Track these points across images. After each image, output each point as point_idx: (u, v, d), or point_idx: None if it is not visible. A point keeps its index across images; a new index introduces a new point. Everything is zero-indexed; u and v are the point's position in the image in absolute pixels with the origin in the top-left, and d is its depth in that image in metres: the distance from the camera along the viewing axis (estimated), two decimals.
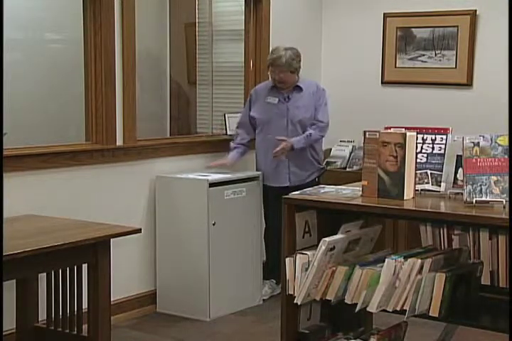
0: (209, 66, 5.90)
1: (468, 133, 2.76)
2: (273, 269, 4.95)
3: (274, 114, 4.98)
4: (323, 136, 5.03)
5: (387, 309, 2.71)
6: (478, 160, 2.70)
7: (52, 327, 3.96)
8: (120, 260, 4.34)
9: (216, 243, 4.66)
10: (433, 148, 2.92)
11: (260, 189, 4.96)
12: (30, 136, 5.03)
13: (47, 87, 5.61)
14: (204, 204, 4.59)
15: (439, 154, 2.90)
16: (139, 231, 3.76)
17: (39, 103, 5.58)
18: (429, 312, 2.67)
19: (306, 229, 2.96)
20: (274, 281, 5.11)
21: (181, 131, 6.18)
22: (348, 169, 5.66)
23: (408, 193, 2.81)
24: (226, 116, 5.36)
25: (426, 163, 2.91)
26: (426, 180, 2.90)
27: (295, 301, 2.85)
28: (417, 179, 2.87)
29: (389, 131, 2.86)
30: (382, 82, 5.76)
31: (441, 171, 2.89)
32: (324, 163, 5.74)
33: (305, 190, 3.04)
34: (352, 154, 5.74)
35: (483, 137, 2.72)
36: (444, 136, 2.91)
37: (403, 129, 2.84)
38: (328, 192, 2.98)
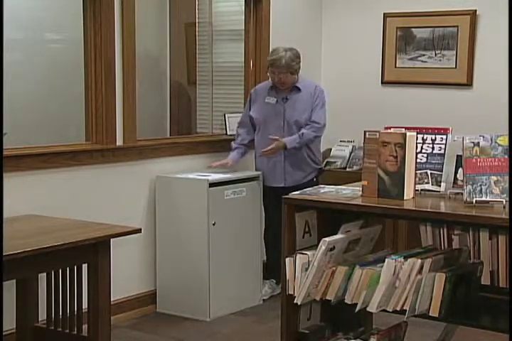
0: (209, 66, 5.91)
1: (468, 133, 2.76)
2: (274, 269, 4.95)
3: (271, 114, 4.99)
4: (317, 136, 5.00)
5: (387, 309, 2.71)
6: (478, 160, 2.70)
7: (52, 327, 3.96)
8: (120, 260, 4.34)
9: (216, 243, 4.66)
10: (433, 148, 2.92)
11: (260, 189, 4.96)
12: (30, 136, 5.04)
13: (47, 87, 5.61)
14: (204, 204, 4.59)
15: (439, 154, 2.90)
16: (139, 231, 3.76)
17: (39, 103, 5.58)
18: (429, 312, 2.67)
19: (306, 229, 2.96)
20: (274, 281, 5.11)
21: (181, 131, 6.18)
22: (348, 169, 5.66)
23: (408, 193, 2.81)
24: (226, 116, 5.36)
25: (426, 163, 2.91)
26: (426, 180, 2.90)
27: (295, 301, 2.85)
28: (417, 179, 2.87)
29: (389, 131, 2.86)
30: (382, 82, 5.76)
31: (441, 171, 2.89)
32: (324, 163, 5.74)
33: (305, 190, 3.03)
34: (352, 154, 5.74)
35: (483, 137, 2.72)
36: (444, 136, 2.91)
37: (403, 129, 2.84)
38: (328, 192, 2.98)
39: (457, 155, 2.84)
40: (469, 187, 2.68)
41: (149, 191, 4.78)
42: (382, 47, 5.71)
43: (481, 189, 2.67)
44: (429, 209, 2.74)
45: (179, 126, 6.32)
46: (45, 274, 3.92)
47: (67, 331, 3.89)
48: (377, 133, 2.84)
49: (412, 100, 5.64)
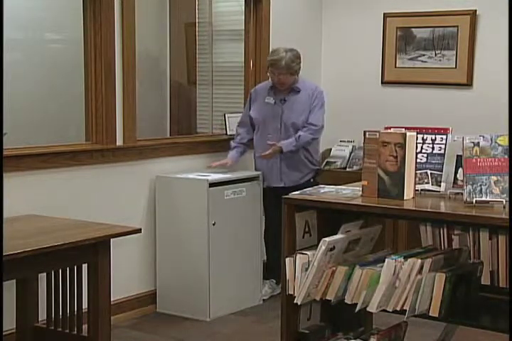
0: (209, 66, 5.91)
1: (468, 133, 2.76)
2: (274, 269, 4.96)
3: (269, 115, 5.00)
4: (314, 138, 4.99)
5: (387, 309, 2.71)
6: (478, 160, 2.70)
7: (52, 327, 3.96)
8: (120, 260, 4.34)
9: (216, 243, 4.66)
10: (433, 148, 2.92)
11: (260, 189, 4.96)
12: (30, 136, 5.04)
13: (47, 87, 5.61)
14: (204, 204, 4.59)
15: (439, 154, 2.90)
16: (139, 231, 3.76)
17: (39, 103, 5.58)
18: (429, 312, 2.67)
19: (306, 229, 2.96)
20: (274, 281, 5.11)
21: (181, 131, 6.18)
22: (348, 169, 5.66)
23: (408, 193, 2.81)
24: (226, 116, 5.36)
25: (426, 163, 2.91)
26: (426, 180, 2.90)
27: (295, 301, 2.85)
28: (417, 179, 2.87)
29: (389, 131, 2.86)
30: (382, 82, 5.76)
31: (441, 171, 2.89)
32: (324, 163, 5.74)
33: (305, 190, 3.03)
34: (352, 154, 5.73)
35: (483, 137, 2.72)
36: (444, 136, 2.91)
37: (403, 129, 2.84)
38: (328, 192, 2.98)
39: (457, 155, 2.84)
40: (469, 187, 2.68)
41: (149, 191, 4.78)
42: (382, 47, 5.71)
43: (481, 189, 2.67)
44: (429, 209, 2.74)
45: (179, 126, 6.32)
46: (45, 274, 3.92)
47: (67, 331, 3.89)
48: (377, 133, 2.84)
49: (412, 100, 5.64)
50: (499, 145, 2.71)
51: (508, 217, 2.49)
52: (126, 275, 4.63)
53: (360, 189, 2.89)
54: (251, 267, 4.95)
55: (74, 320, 3.84)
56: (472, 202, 2.66)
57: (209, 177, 4.67)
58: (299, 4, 5.79)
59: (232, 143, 5.09)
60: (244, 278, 4.89)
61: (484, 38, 5.32)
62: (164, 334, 4.45)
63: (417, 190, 2.88)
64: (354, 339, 3.00)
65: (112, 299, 3.74)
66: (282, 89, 4.96)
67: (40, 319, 4.02)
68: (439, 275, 2.65)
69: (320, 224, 3.00)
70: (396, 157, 2.80)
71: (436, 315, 2.66)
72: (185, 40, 6.23)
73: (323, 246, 2.75)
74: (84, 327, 3.78)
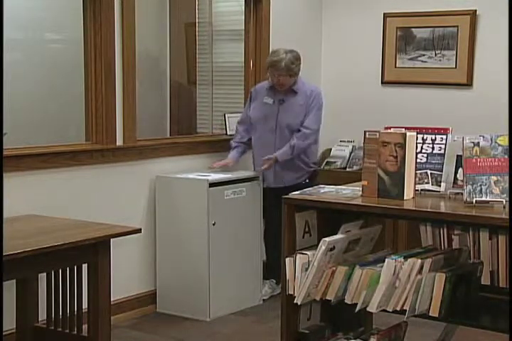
0: (209, 66, 5.91)
1: (468, 133, 2.76)
2: (274, 269, 4.96)
3: (266, 115, 5.01)
4: (310, 144, 4.97)
5: (387, 309, 2.71)
6: (478, 160, 2.70)
7: (52, 327, 3.96)
8: (120, 260, 4.34)
9: (216, 243, 4.66)
10: (433, 148, 2.92)
11: (260, 189, 4.96)
12: (30, 136, 5.04)
13: (47, 87, 5.61)
14: (204, 204, 4.59)
15: (439, 154, 2.90)
16: (139, 231, 3.76)
17: (39, 103, 5.58)
18: (429, 312, 2.67)
19: (306, 229, 2.96)
20: (274, 281, 5.11)
21: (181, 131, 6.18)
22: (348, 169, 5.66)
23: (408, 193, 2.81)
24: (226, 116, 5.36)
25: (426, 163, 2.91)
26: (426, 180, 2.90)
27: (295, 301, 2.85)
28: (417, 179, 2.87)
29: (389, 131, 2.86)
30: (382, 82, 5.76)
31: (441, 171, 2.89)
32: (324, 163, 5.74)
33: (305, 190, 3.04)
34: (352, 154, 5.73)
35: (483, 137, 2.72)
36: (444, 136, 2.91)
37: (403, 129, 2.84)
38: (328, 192, 2.98)
39: (457, 155, 2.84)
40: (469, 187, 2.68)
41: (149, 191, 4.78)
42: (382, 47, 5.71)
43: (481, 189, 2.67)
44: (429, 209, 2.74)
45: (179, 126, 6.32)
46: (45, 274, 3.92)
47: (67, 331, 3.89)
48: (377, 133, 2.84)
49: (412, 100, 5.64)
50: (499, 145, 2.71)
51: (508, 217, 2.49)
52: (126, 275, 4.63)
53: (360, 189, 2.89)
54: (251, 267, 4.95)
55: (74, 320, 3.84)
56: (472, 202, 2.66)
57: (209, 177, 4.67)
58: (299, 4, 5.79)
59: (233, 143, 5.09)
60: (244, 278, 4.89)
61: (484, 38, 5.32)
62: (164, 334, 4.45)
63: (417, 190, 2.88)
64: (354, 339, 3.00)
65: (112, 299, 3.74)
66: (281, 90, 4.96)
67: (40, 319, 4.02)
68: (439, 275, 2.65)
69: (320, 224, 3.00)
70: (396, 157, 2.80)
71: (436, 315, 2.66)
72: (185, 40, 6.23)
73: (323, 246, 2.75)
74: (84, 327, 3.78)
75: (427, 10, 5.47)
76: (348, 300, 2.78)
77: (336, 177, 5.26)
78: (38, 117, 5.56)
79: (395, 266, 2.66)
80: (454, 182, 2.85)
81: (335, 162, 5.73)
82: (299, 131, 4.92)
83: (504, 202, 2.63)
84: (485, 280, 2.94)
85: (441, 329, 3.34)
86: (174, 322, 4.64)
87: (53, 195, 4.21)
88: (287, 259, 2.86)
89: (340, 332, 3.08)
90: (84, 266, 3.72)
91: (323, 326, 3.10)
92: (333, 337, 3.06)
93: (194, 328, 4.56)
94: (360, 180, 2.92)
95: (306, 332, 3.01)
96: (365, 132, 2.87)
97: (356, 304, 2.74)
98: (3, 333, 3.74)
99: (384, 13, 5.66)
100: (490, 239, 2.93)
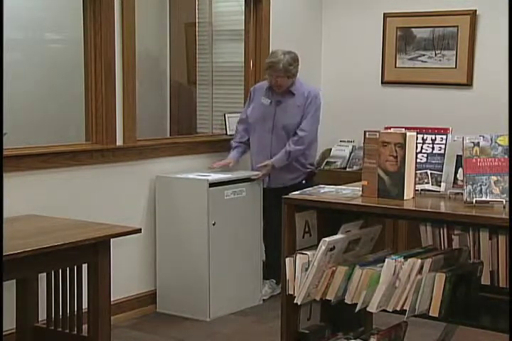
0: (209, 66, 5.91)
1: (468, 133, 2.76)
2: (274, 269, 4.97)
3: (263, 115, 5.01)
4: (305, 148, 4.97)
5: (387, 309, 2.71)
6: (478, 160, 2.70)
7: (52, 327, 3.96)
8: (120, 260, 4.34)
9: (216, 243, 4.66)
10: (433, 148, 2.92)
11: (260, 189, 4.96)
12: (30, 136, 5.04)
13: (47, 87, 5.61)
14: (204, 204, 4.59)
15: (439, 154, 2.90)
16: (139, 231, 3.76)
17: (39, 103, 5.58)
18: (429, 312, 2.67)
19: (306, 229, 2.96)
20: (274, 281, 5.11)
21: (181, 131, 6.18)
22: (348, 169, 5.66)
23: (408, 193, 2.81)
24: (226, 116, 5.37)
25: (426, 163, 2.91)
26: (426, 180, 2.90)
27: (295, 301, 2.85)
28: (417, 179, 2.87)
29: (389, 131, 2.86)
30: (382, 82, 5.76)
31: (441, 171, 2.89)
32: (324, 163, 5.74)
33: (305, 190, 3.04)
34: (352, 154, 5.73)
35: (483, 137, 2.72)
36: (444, 136, 2.91)
37: (403, 129, 2.84)
38: (328, 192, 2.98)
39: (457, 155, 2.84)
40: (469, 187, 2.68)
41: (149, 191, 4.78)
42: (382, 47, 5.71)
43: (481, 189, 2.67)
44: (429, 209, 2.74)
45: (179, 126, 6.32)
46: (45, 274, 3.92)
47: (67, 331, 3.89)
48: (377, 133, 2.84)
49: (412, 100, 5.64)
50: (499, 145, 2.71)
51: (508, 217, 2.49)
52: (126, 275, 4.63)
53: (360, 189, 2.89)
54: (251, 267, 4.95)
55: (74, 320, 3.84)
56: (472, 202, 2.66)
57: (209, 177, 4.67)
58: (299, 4, 5.79)
59: (233, 143, 5.10)
60: (244, 278, 4.89)
61: (484, 38, 5.32)
62: (164, 334, 4.45)
63: (417, 190, 2.88)
64: (354, 339, 3.00)
65: (112, 299, 3.74)
66: (279, 91, 4.96)
67: (40, 319, 4.02)
68: (439, 275, 2.65)
69: (320, 224, 3.00)
70: (396, 157, 2.80)
71: (436, 315, 2.66)
72: (185, 40, 6.23)
73: (323, 246, 2.75)
74: (84, 327, 3.78)
75: (427, 10, 5.47)
76: (348, 300, 2.78)
77: (336, 177, 5.26)
78: (38, 117, 5.56)
79: (395, 266, 2.66)
80: (454, 182, 2.85)
81: (335, 162, 5.73)
82: (295, 133, 4.92)
83: (504, 202, 2.63)
84: (485, 280, 2.94)
85: (441, 329, 3.34)
86: (174, 322, 4.64)
87: (53, 195, 4.21)
88: (287, 259, 2.85)
89: (340, 332, 3.08)
90: (84, 266, 3.72)
91: (323, 326, 3.10)
92: (333, 337, 3.06)
93: (194, 328, 4.56)
94: (360, 180, 2.92)
95: (306, 332, 3.01)
96: (365, 132, 2.87)
97: (356, 304, 2.74)
98: (3, 333, 3.74)
99: (384, 13, 5.66)
100: (490, 239, 2.93)
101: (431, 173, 2.90)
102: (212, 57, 5.89)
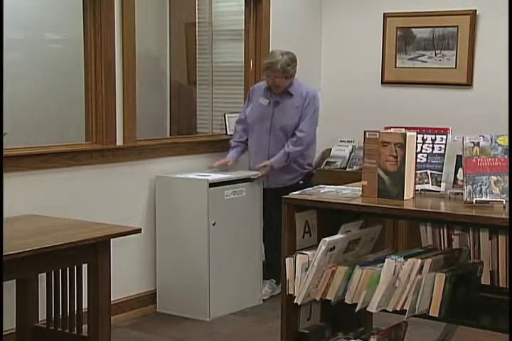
0: (209, 66, 5.91)
1: (468, 133, 2.76)
2: (274, 269, 4.97)
3: (261, 116, 5.02)
4: (304, 149, 4.97)
5: (387, 309, 2.71)
6: (478, 160, 2.70)
7: (52, 327, 3.96)
8: (120, 260, 4.34)
9: (216, 243, 4.66)
10: (433, 148, 2.92)
11: (260, 189, 4.96)
12: (30, 136, 5.04)
13: (47, 87, 5.61)
14: (204, 204, 4.59)
15: (439, 154, 2.90)
16: (139, 231, 3.76)
17: (39, 103, 5.58)
18: (429, 312, 2.67)
19: (306, 229, 2.96)
20: (274, 281, 5.11)
21: (181, 131, 6.18)
22: (348, 169, 5.66)
23: (408, 193, 2.81)
24: (226, 116, 5.37)
25: (426, 163, 2.91)
26: (426, 180, 2.90)
27: (295, 301, 2.85)
28: (417, 179, 2.87)
29: (389, 131, 2.86)
30: (382, 82, 5.76)
31: (441, 171, 2.89)
32: (324, 163, 5.74)
33: (305, 190, 3.04)
34: (352, 154, 5.73)
35: (483, 137, 2.72)
36: (444, 136, 2.91)
37: (403, 129, 2.84)
38: (328, 192, 2.98)
39: (457, 155, 2.84)
40: (469, 187, 2.68)
41: (149, 191, 4.78)
42: (382, 47, 5.71)
43: (481, 189, 2.67)
44: (429, 209, 2.73)
45: (179, 126, 6.32)
46: (45, 274, 3.92)
47: (67, 331, 3.89)
48: (377, 133, 2.84)
49: (412, 100, 5.64)
50: (499, 145, 2.71)
51: (508, 217, 2.49)
52: (126, 275, 4.63)
53: (360, 189, 2.89)
54: (251, 267, 4.95)
55: (74, 320, 3.84)
56: (472, 202, 2.66)
57: (209, 177, 4.67)
58: (299, 4, 5.79)
59: (232, 143, 5.10)
60: (244, 278, 4.89)
61: (484, 38, 5.32)
62: (164, 334, 4.45)
63: (417, 190, 2.88)
64: (354, 339, 3.00)
65: (112, 299, 3.74)
66: (277, 92, 4.97)
67: (40, 319, 4.02)
68: (439, 276, 2.65)
69: (320, 224, 3.00)
70: (396, 157, 2.80)
71: (436, 315, 2.66)
72: (185, 40, 6.23)
73: (323, 246, 2.75)
74: (84, 327, 3.78)
75: (427, 10, 5.47)
76: (348, 300, 2.78)
77: (336, 177, 5.26)
78: (38, 117, 5.56)
79: (395, 266, 2.66)
80: (454, 182, 2.85)
81: (335, 162, 5.73)
82: (294, 134, 4.93)
83: (504, 202, 2.63)
84: (485, 280, 2.94)
85: (441, 329, 3.34)
86: (174, 322, 4.64)
87: (53, 195, 4.21)
88: (287, 259, 2.85)
89: (340, 332, 3.08)
90: (84, 266, 3.72)
91: (323, 326, 3.10)
92: (333, 337, 3.06)
93: (194, 328, 4.56)
94: (360, 180, 2.92)
95: (306, 332, 3.01)
96: (365, 132, 2.87)
97: (356, 304, 2.74)
98: (3, 333, 3.74)
99: (384, 13, 5.66)
100: (490, 239, 2.93)
101: (431, 173, 2.90)
102: (212, 57, 5.89)
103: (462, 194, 2.71)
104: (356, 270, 2.75)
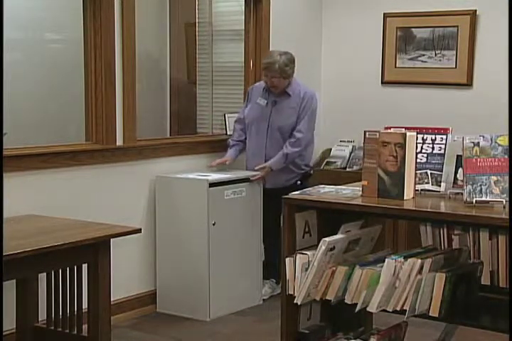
0: (209, 66, 5.91)
1: (468, 133, 2.76)
2: (273, 268, 4.97)
3: (258, 116, 5.02)
4: (302, 150, 4.98)
5: (387, 309, 2.71)
6: (478, 160, 2.70)
7: (52, 327, 3.96)
8: (120, 260, 4.33)
9: (216, 243, 4.66)
10: (433, 148, 2.92)
11: (260, 189, 4.96)
12: (30, 136, 5.04)
13: (47, 87, 5.61)
14: (204, 204, 4.59)
15: (439, 154, 2.90)
16: (139, 231, 3.76)
17: (39, 103, 5.58)
18: (429, 312, 2.67)
19: (306, 229, 2.96)
20: (274, 281, 5.11)
21: (181, 131, 6.18)
22: (348, 169, 5.66)
23: (408, 193, 2.81)
24: (226, 116, 5.37)
25: (426, 163, 2.91)
26: (426, 180, 2.90)
27: (295, 301, 2.85)
28: (417, 179, 2.87)
29: (389, 131, 2.86)
30: (382, 82, 5.76)
31: (441, 171, 2.89)
32: (324, 163, 5.74)
33: (305, 190, 3.04)
34: (352, 154, 5.73)
35: (483, 137, 2.72)
36: (444, 136, 2.91)
37: (403, 129, 2.84)
38: (328, 192, 2.98)
39: (457, 155, 2.84)
40: (469, 187, 2.68)
41: (149, 191, 4.78)
42: (382, 47, 5.70)
43: (481, 189, 2.67)
44: (429, 209, 2.74)
45: (179, 126, 6.32)
46: (45, 274, 3.92)
47: (67, 331, 3.89)
48: (377, 133, 2.84)
49: (412, 100, 5.64)
50: (499, 145, 2.71)
51: (508, 217, 2.49)
52: (126, 275, 4.63)
53: (360, 189, 2.89)
54: (251, 267, 4.95)
55: (74, 320, 3.84)
56: (472, 202, 2.66)
57: (209, 177, 4.67)
58: (299, 4, 5.79)
59: (230, 141, 5.11)
60: (244, 278, 4.89)
61: (484, 38, 5.32)
62: (164, 334, 4.45)
63: (417, 190, 2.88)
64: (354, 339, 3.00)
65: (112, 299, 3.74)
66: (275, 92, 4.97)
67: (40, 319, 4.02)
68: (439, 275, 2.65)
69: (320, 224, 3.00)
70: (396, 157, 2.80)
71: (436, 315, 2.66)
72: (185, 40, 6.23)
73: (323, 246, 2.75)
74: (84, 327, 3.78)
75: (427, 10, 5.47)
76: (348, 300, 2.78)
77: (336, 177, 5.26)
78: (38, 117, 5.56)
79: (395, 266, 2.66)
80: (454, 182, 2.85)
81: (335, 162, 5.73)
82: (291, 135, 4.93)
83: (504, 202, 2.63)
84: (485, 280, 2.94)
85: (441, 329, 3.34)
86: (174, 322, 4.64)
87: (53, 195, 4.21)
88: (287, 259, 2.85)
89: (340, 332, 3.08)
90: (84, 266, 3.72)
91: (323, 326, 3.10)
92: (333, 337, 3.06)
93: (194, 328, 4.56)
94: (360, 180, 2.92)
95: (306, 332, 3.01)
96: (365, 132, 2.87)
97: (356, 304, 2.74)
98: (3, 333, 3.74)
99: (384, 13, 5.66)
100: (490, 239, 2.93)
101: (431, 173, 2.90)
102: (212, 57, 5.89)
103: (462, 194, 2.71)
104: (356, 270, 2.75)
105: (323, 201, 2.86)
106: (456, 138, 2.86)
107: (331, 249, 2.78)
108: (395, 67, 5.68)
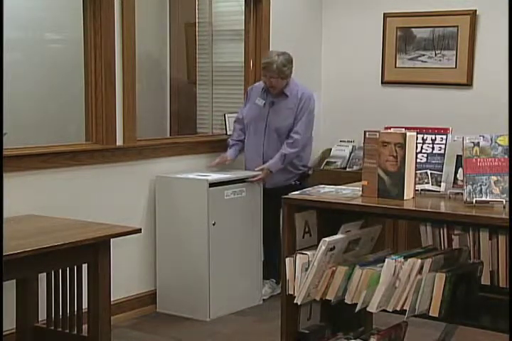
0: (209, 66, 5.91)
1: (468, 133, 2.76)
2: (273, 268, 4.97)
3: (257, 116, 5.02)
4: (300, 150, 4.98)
5: (387, 309, 2.71)
6: (478, 160, 2.70)
7: (52, 327, 3.96)
8: (120, 260, 4.33)
9: (216, 243, 4.66)
10: (433, 148, 2.92)
11: (260, 189, 4.96)
12: (30, 136, 5.04)
13: (47, 87, 5.61)
14: (204, 204, 4.59)
15: (439, 154, 2.90)
16: (139, 231, 3.76)
17: (39, 103, 5.58)
18: (429, 312, 2.67)
19: (306, 229, 2.96)
20: (274, 281, 5.11)
21: (181, 131, 6.18)
22: (348, 169, 5.66)
23: (408, 193, 2.81)
24: (226, 116, 5.37)
25: (426, 163, 2.91)
26: (426, 180, 2.90)
27: (295, 301, 2.85)
28: (417, 179, 2.87)
29: (389, 131, 2.86)
30: (382, 82, 5.76)
31: (441, 171, 2.89)
32: (324, 163, 5.74)
33: (305, 190, 3.04)
34: (352, 154, 5.73)
35: (483, 137, 2.72)
36: (444, 136, 2.91)
37: (403, 129, 2.84)
38: (328, 192, 2.98)
39: (457, 155, 2.84)
40: (469, 187, 2.68)
41: (149, 191, 4.78)
42: (382, 47, 5.70)
43: (481, 189, 2.67)
44: (429, 209, 2.74)
45: (179, 126, 6.32)
46: (45, 274, 3.92)
47: (67, 331, 3.89)
48: (377, 133, 2.84)
49: (412, 100, 5.64)
50: (499, 145, 2.71)
51: (508, 217, 2.49)
52: (126, 275, 4.63)
53: (360, 189, 2.89)
54: (251, 267, 4.95)
55: (74, 320, 3.84)
56: (472, 202, 2.66)
57: (209, 177, 4.67)
58: (299, 4, 5.79)
59: (230, 141, 5.12)
60: (244, 278, 4.89)
61: (484, 38, 5.32)
62: (164, 334, 4.45)
63: (417, 190, 2.88)
64: (354, 339, 3.00)
65: (112, 299, 3.74)
66: (273, 92, 4.97)
67: (40, 319, 4.02)
68: (439, 275, 2.65)
69: (320, 224, 3.00)
70: (396, 157, 2.80)
71: (436, 315, 2.66)
72: (185, 40, 6.23)
73: (323, 246, 2.75)
74: (84, 327, 3.78)
75: (427, 10, 5.47)
76: (348, 300, 2.78)
77: (336, 177, 5.26)
78: (38, 117, 5.56)
79: (395, 266, 2.66)
80: (454, 182, 2.85)
81: (335, 162, 5.73)
82: (288, 135, 4.93)
83: (504, 202, 2.63)
84: (485, 280, 2.94)
85: (441, 329, 3.34)
86: (174, 322, 4.64)
87: (53, 195, 4.21)
88: (287, 259, 2.85)
89: (340, 332, 3.08)
90: (84, 266, 3.72)
91: (323, 326, 3.10)
92: (333, 337, 3.06)
93: (194, 328, 4.56)
94: (360, 180, 2.92)
95: (306, 332, 3.01)
96: (365, 132, 2.87)
97: (356, 304, 2.74)
98: (3, 333, 3.74)
99: (384, 13, 5.66)
100: (490, 239, 2.93)
101: (431, 173, 2.90)
102: (212, 57, 5.89)
103: (462, 194, 2.71)
104: (356, 270, 2.75)
105: (323, 201, 2.86)
106: (456, 138, 2.86)
107: (331, 249, 2.78)
108: (395, 67, 5.68)
